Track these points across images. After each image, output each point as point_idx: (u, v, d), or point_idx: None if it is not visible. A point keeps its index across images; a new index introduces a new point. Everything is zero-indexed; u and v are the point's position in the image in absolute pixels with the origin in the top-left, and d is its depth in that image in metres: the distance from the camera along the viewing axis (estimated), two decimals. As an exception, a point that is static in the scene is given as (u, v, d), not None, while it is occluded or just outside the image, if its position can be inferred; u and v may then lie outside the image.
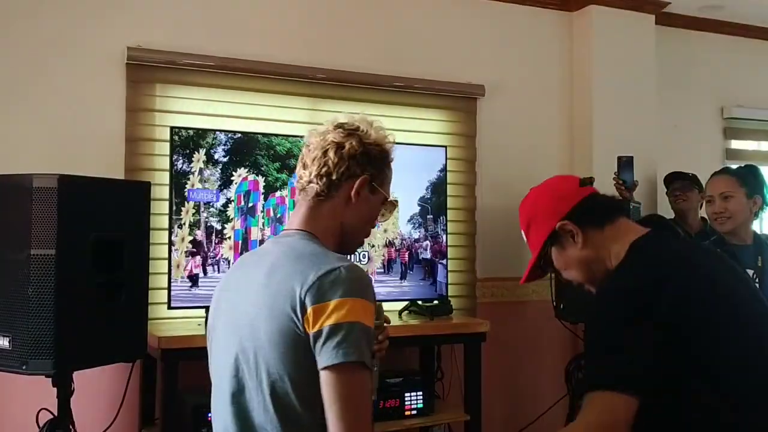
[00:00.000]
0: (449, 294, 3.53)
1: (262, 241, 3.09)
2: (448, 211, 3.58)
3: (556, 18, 4.13)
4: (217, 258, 3.02)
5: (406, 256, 3.43)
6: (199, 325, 2.92)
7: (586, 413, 1.30)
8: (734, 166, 2.82)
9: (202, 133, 3.04)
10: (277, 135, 3.22)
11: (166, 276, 2.95)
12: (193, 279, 2.98)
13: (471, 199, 3.82)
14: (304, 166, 1.51)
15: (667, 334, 1.34)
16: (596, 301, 1.47)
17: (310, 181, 1.48)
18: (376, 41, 3.67)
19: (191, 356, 2.75)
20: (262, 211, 3.12)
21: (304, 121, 3.47)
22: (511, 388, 3.89)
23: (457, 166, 3.79)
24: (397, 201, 1.61)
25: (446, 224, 3.54)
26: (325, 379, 1.31)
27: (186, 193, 2.97)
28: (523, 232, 1.67)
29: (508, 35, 4.01)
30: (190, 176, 2.98)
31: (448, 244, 3.56)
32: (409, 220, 3.45)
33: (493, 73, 3.91)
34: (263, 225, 3.12)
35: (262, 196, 3.12)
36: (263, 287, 1.41)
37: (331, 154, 1.47)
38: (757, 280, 2.51)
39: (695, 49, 4.57)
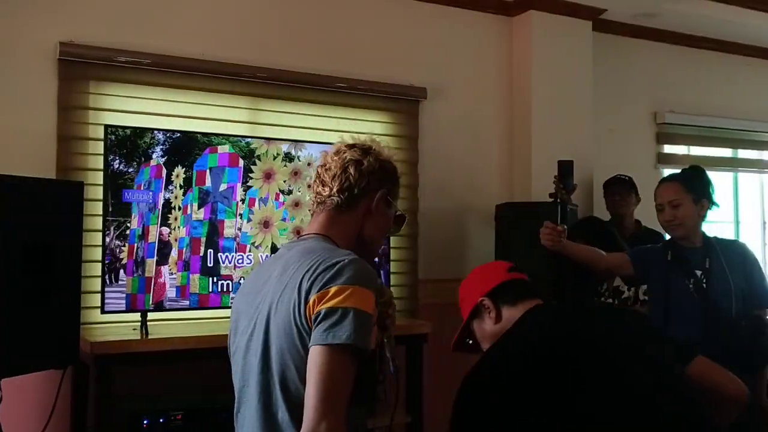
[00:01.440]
0: (391, 295, 3.53)
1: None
2: (390, 212, 3.58)
3: (496, 23, 4.19)
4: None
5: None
6: (134, 329, 2.84)
7: None
8: (679, 171, 2.88)
9: (139, 132, 2.97)
10: (217, 134, 3.17)
11: (100, 279, 2.86)
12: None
13: (413, 201, 3.83)
14: (323, 184, 1.61)
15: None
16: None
17: (330, 196, 1.59)
18: (318, 41, 3.65)
19: (125, 362, 2.70)
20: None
21: (244, 121, 3.43)
22: (453, 389, 3.87)
23: (398, 167, 3.78)
24: (405, 215, 1.75)
25: (388, 226, 3.53)
26: (312, 355, 1.38)
27: (121, 194, 2.88)
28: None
29: (450, 39, 4.04)
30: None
31: (390, 245, 3.56)
32: (351, 222, 3.43)
33: (435, 76, 3.93)
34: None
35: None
36: (277, 282, 1.51)
37: (351, 170, 1.60)
38: (704, 281, 2.63)
39: (630, 55, 4.70)
